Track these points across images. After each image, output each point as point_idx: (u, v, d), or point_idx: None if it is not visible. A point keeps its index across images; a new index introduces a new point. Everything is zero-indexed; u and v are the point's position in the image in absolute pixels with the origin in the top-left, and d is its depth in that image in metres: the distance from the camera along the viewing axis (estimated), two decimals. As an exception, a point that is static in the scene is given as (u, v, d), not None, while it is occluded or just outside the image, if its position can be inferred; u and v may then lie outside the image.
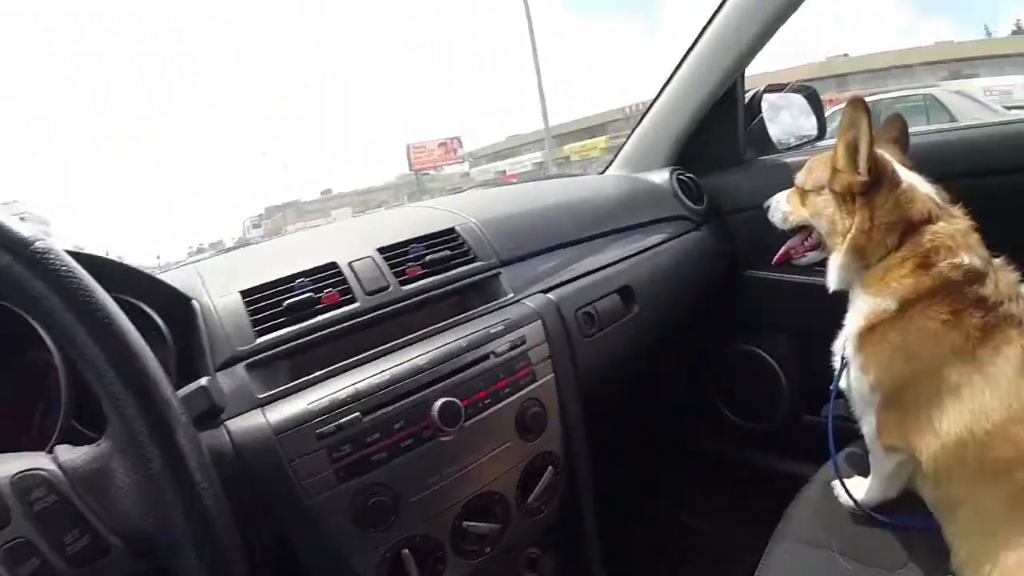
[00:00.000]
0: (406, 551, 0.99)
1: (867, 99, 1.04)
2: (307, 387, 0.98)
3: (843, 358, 1.10)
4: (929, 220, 1.02)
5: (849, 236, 1.06)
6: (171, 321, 0.99)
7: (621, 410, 1.79)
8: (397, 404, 0.99)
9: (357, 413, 0.95)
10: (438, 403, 1.00)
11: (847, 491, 1.13)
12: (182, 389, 0.74)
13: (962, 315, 0.95)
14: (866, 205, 1.05)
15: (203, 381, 0.76)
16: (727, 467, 1.96)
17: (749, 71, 1.77)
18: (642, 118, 1.90)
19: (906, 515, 1.08)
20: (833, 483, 1.17)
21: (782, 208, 1.23)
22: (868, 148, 1.03)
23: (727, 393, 1.93)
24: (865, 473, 1.16)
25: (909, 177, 1.06)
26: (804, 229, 1.21)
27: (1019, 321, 0.95)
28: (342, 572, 0.95)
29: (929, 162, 1.13)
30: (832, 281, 1.12)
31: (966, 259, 0.98)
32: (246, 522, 0.89)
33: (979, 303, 0.95)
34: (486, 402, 1.07)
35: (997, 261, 1.02)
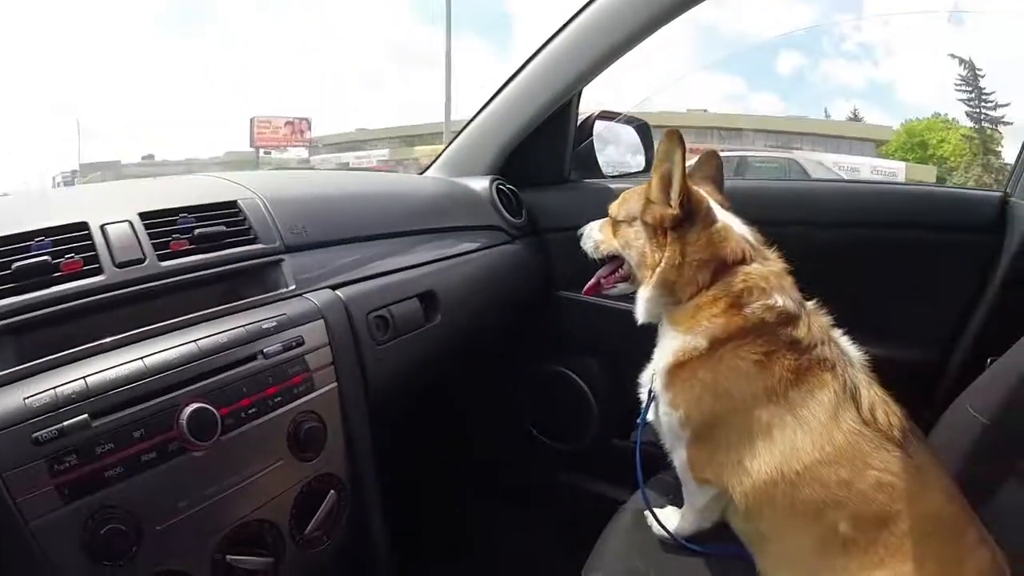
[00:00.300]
0: None
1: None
2: (27, 376, 0.78)
3: (650, 391, 1.08)
4: (743, 260, 1.02)
5: (658, 270, 1.05)
6: None
7: (420, 426, 1.69)
8: (137, 407, 0.81)
9: (85, 415, 0.77)
10: (188, 409, 0.84)
11: (659, 523, 1.12)
12: None
13: (775, 356, 0.96)
14: (677, 240, 1.04)
15: None
16: (538, 488, 1.91)
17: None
18: (469, 122, 1.82)
19: (720, 543, 1.08)
20: (645, 513, 1.15)
21: (594, 237, 1.21)
22: (681, 181, 1.02)
23: (537, 412, 1.88)
24: (678, 502, 1.15)
25: (725, 216, 1.07)
26: (615, 259, 1.19)
27: (832, 365, 0.97)
28: None
29: (766, 208, 1.20)
30: (640, 314, 1.10)
31: (779, 301, 0.99)
32: None
33: (792, 345, 0.97)
34: (250, 411, 0.92)
35: (810, 304, 1.03)
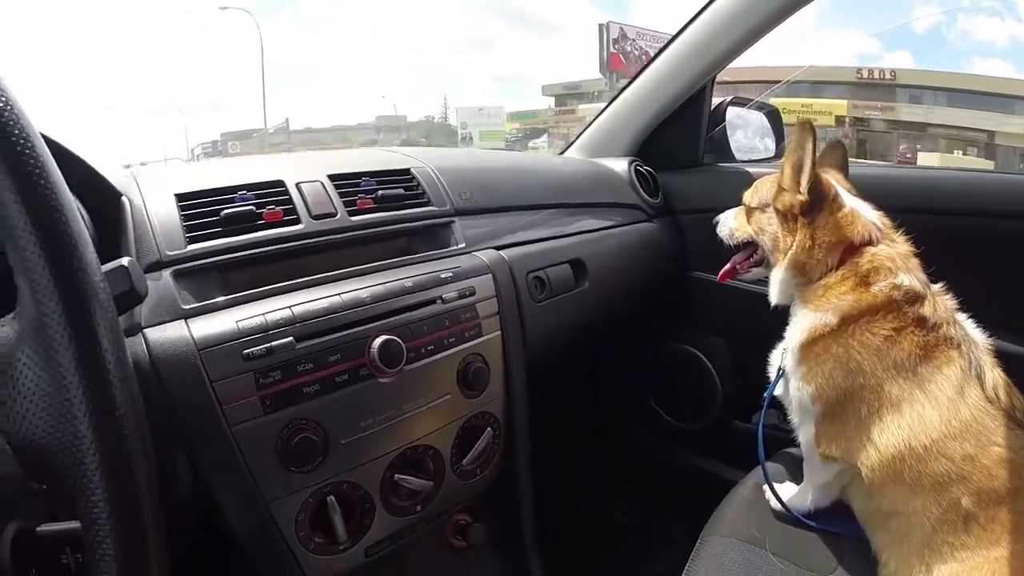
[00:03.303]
0: (331, 498, 0.93)
1: None
2: (238, 304, 0.91)
3: (780, 368, 1.11)
4: (870, 242, 1.04)
5: (790, 253, 1.08)
6: (97, 216, 0.90)
7: (560, 388, 1.75)
8: (335, 335, 0.92)
9: (290, 338, 0.88)
10: (379, 340, 0.95)
11: (777, 497, 1.13)
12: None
13: (904, 332, 0.97)
14: (808, 225, 1.07)
15: (123, 261, 0.66)
16: (655, 462, 1.95)
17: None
18: (607, 106, 1.88)
19: (836, 520, 1.09)
20: (764, 487, 1.17)
21: (729, 224, 1.24)
22: (811, 169, 1.05)
23: (661, 390, 1.92)
24: (795, 479, 1.17)
25: (853, 202, 1.09)
26: (750, 245, 1.22)
27: (958, 343, 0.97)
28: (260, 515, 0.88)
29: (894, 196, 1.19)
30: (774, 295, 1.13)
31: (906, 280, 1.00)
32: (160, 452, 0.82)
33: (920, 322, 0.97)
34: (429, 348, 1.02)
35: (935, 287, 1.04)
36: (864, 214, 1.07)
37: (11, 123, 0.50)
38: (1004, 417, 0.93)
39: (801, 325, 1.05)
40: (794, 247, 1.07)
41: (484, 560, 1.24)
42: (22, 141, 0.50)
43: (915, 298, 0.99)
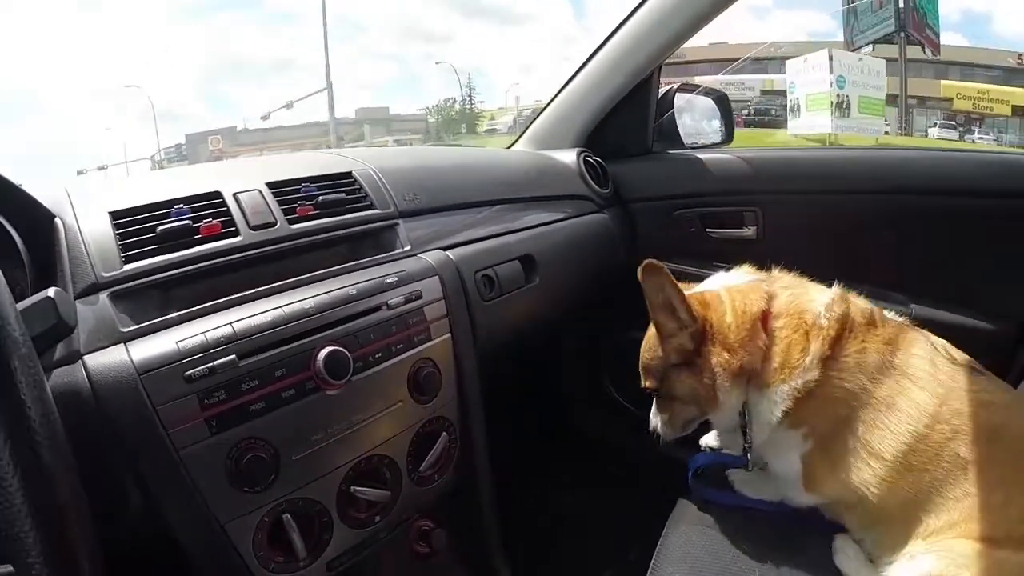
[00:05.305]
0: (287, 516, 0.91)
1: None
2: (178, 324, 0.88)
3: (746, 444, 1.06)
4: (770, 299, 1.03)
5: (724, 372, 1.01)
6: (29, 239, 0.88)
7: (515, 385, 1.74)
8: (278, 349, 0.90)
9: (232, 356, 0.86)
10: (324, 352, 0.92)
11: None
12: (22, 302, 0.62)
13: (868, 339, 0.99)
14: (711, 341, 1.02)
15: (49, 292, 0.64)
16: (619, 452, 1.94)
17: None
18: (554, 97, 1.88)
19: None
20: (727, 473, 1.18)
21: (659, 423, 1.17)
22: (681, 299, 1.01)
23: (622, 379, 1.89)
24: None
25: (720, 284, 1.10)
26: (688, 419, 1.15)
27: (908, 324, 1.03)
28: (215, 538, 0.86)
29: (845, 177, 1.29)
30: (722, 426, 1.12)
31: (824, 297, 1.03)
32: (107, 480, 0.80)
33: (870, 323, 1.01)
34: (377, 356, 1.00)
35: (836, 290, 1.05)
36: (740, 283, 1.08)
37: None
38: (969, 368, 0.98)
39: (775, 401, 1.00)
40: (717, 374, 1.02)
41: (449, 565, 1.24)
42: None
43: (845, 306, 1.01)
